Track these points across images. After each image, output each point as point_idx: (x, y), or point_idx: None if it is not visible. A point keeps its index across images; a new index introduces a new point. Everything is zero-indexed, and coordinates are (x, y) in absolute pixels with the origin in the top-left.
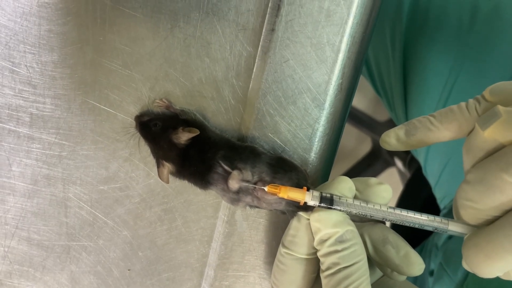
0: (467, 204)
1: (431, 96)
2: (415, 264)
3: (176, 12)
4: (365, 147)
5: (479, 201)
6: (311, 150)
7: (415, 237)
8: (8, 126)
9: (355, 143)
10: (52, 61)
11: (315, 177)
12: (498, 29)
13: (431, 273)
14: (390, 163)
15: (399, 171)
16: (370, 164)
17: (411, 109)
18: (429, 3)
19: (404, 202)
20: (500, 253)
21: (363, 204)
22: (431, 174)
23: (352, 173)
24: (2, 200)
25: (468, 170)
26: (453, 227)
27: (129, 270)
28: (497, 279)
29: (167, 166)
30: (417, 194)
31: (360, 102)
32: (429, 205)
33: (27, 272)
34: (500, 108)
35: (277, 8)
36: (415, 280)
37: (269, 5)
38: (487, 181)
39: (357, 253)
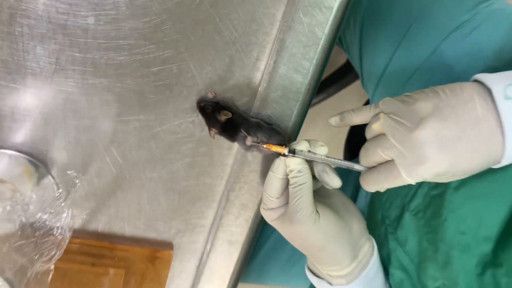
0: (363, 158)
1: (376, 67)
2: (336, 181)
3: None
4: (342, 58)
5: (368, 158)
6: (290, 120)
7: None
8: None
9: (333, 54)
10: None
11: (291, 136)
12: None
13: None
14: None
15: None
16: (344, 75)
17: (363, 69)
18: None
19: None
20: (376, 183)
21: (311, 154)
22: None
23: (328, 81)
24: None
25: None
26: (357, 167)
27: None
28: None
29: (213, 130)
30: None
31: None
32: None
33: None
34: (381, 114)
35: None
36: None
37: None
38: (370, 151)
39: (307, 178)
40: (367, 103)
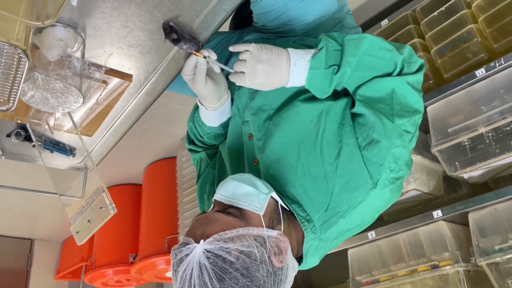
0: (234, 67)
1: None
2: (217, 68)
3: None
4: None
5: (236, 68)
6: (205, 38)
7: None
8: None
9: None
10: None
11: (204, 45)
12: None
13: None
14: None
15: None
16: None
17: None
18: None
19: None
20: (237, 80)
21: (209, 59)
22: None
23: None
24: None
25: None
26: (231, 70)
27: None
28: None
29: (168, 39)
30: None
31: None
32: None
33: None
34: (248, 52)
35: None
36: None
37: None
38: (237, 65)
39: (205, 65)
40: None
